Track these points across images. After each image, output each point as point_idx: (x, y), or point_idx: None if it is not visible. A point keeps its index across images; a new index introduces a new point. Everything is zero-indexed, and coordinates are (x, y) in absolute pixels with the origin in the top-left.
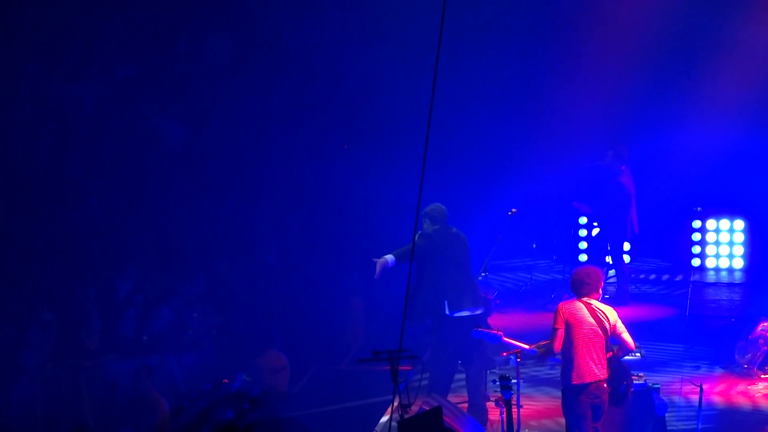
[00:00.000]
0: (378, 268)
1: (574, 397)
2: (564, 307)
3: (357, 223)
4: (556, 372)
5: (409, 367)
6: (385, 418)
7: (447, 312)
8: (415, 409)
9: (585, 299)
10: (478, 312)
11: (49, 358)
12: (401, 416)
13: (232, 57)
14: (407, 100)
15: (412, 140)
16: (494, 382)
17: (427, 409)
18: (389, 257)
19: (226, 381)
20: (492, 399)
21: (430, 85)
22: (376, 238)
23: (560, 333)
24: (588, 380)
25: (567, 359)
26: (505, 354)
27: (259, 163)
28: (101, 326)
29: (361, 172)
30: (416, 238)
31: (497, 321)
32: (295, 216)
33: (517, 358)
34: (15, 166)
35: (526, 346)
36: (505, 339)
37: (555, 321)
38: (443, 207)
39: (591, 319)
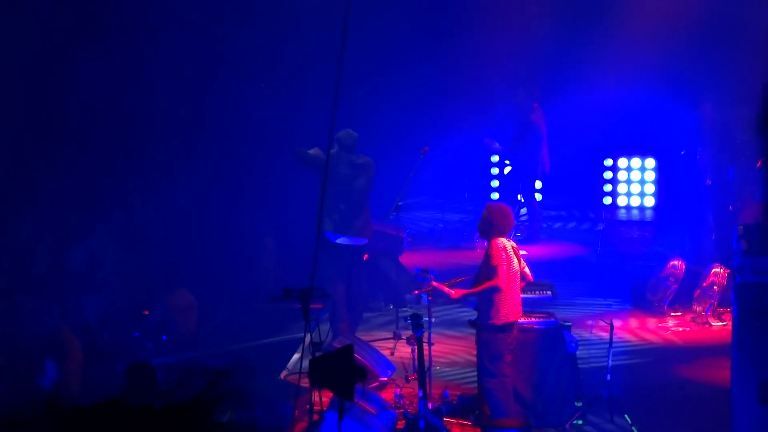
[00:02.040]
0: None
1: (495, 336)
2: (502, 243)
3: (270, 162)
4: (467, 310)
5: (320, 305)
6: (296, 356)
7: (332, 237)
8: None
9: (504, 238)
10: (360, 243)
11: None
12: (313, 354)
13: None
14: (320, 35)
15: (326, 79)
16: (406, 320)
17: (339, 347)
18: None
19: (147, 313)
20: (404, 337)
21: (344, 18)
22: (289, 177)
23: (505, 269)
24: (512, 319)
25: (493, 298)
26: (416, 292)
27: (174, 103)
28: (10, 265)
29: (273, 111)
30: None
31: (408, 259)
32: (207, 155)
33: (428, 296)
34: None
35: (452, 291)
36: (434, 283)
37: (497, 257)
38: (355, 134)
39: (516, 258)
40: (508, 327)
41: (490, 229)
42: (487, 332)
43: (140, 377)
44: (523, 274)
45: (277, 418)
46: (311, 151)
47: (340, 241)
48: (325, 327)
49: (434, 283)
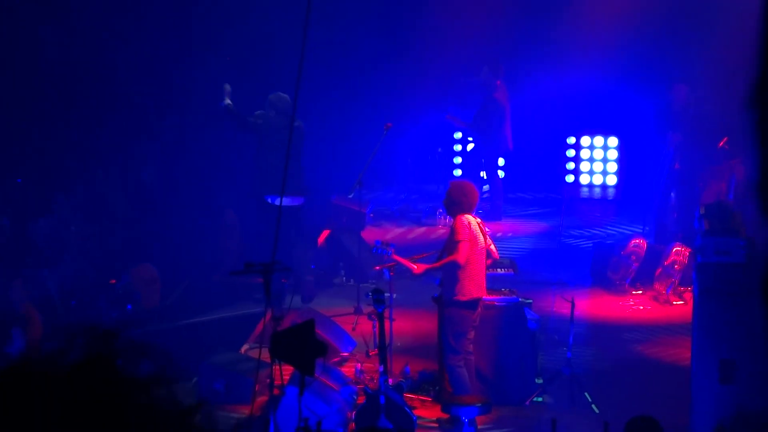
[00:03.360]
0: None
1: (459, 313)
2: (466, 219)
3: (233, 136)
4: (430, 287)
5: (283, 280)
6: (257, 330)
7: (274, 200)
8: (288, 321)
9: (469, 215)
10: (298, 204)
11: None
12: (274, 329)
13: None
14: (285, 10)
15: (290, 54)
16: (367, 295)
17: (300, 321)
18: (228, 101)
19: (114, 281)
20: (365, 312)
21: None
22: (250, 151)
23: (466, 245)
24: (477, 296)
25: (458, 274)
26: (378, 267)
27: (137, 76)
28: None
29: (237, 85)
30: (257, 115)
31: (370, 235)
32: (170, 128)
33: (390, 272)
34: None
35: (415, 266)
36: (395, 256)
37: (459, 233)
38: (287, 96)
39: (481, 235)
40: (473, 303)
41: (453, 207)
42: (452, 308)
43: (99, 346)
44: (488, 252)
45: (237, 393)
46: (256, 113)
47: (278, 202)
48: (287, 299)
49: (396, 257)
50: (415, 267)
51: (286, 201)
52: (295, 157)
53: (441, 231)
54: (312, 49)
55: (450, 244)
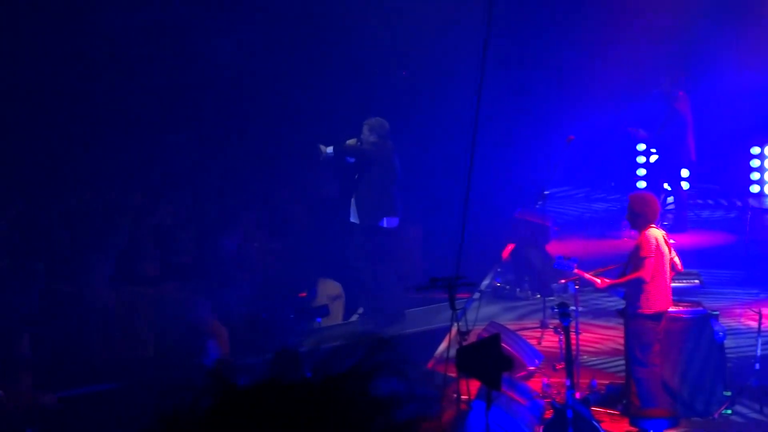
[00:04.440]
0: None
1: (645, 326)
2: (653, 234)
3: (415, 154)
4: (614, 300)
5: (467, 295)
6: (444, 345)
7: (382, 221)
8: (474, 336)
9: (654, 227)
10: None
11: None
12: (460, 343)
13: None
14: (463, 20)
15: (468, 68)
16: (552, 309)
17: (486, 336)
18: (329, 149)
19: (304, 294)
20: (551, 326)
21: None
22: (431, 170)
23: (652, 261)
24: (662, 308)
25: (643, 287)
26: (563, 281)
27: (314, 90)
28: (160, 255)
29: (419, 97)
30: (355, 143)
31: (556, 248)
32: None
33: (575, 285)
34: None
35: (598, 280)
36: (577, 271)
37: (645, 249)
38: (386, 122)
39: (666, 247)
40: (658, 316)
41: (637, 219)
42: (637, 321)
43: (286, 366)
44: (672, 264)
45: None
46: (348, 142)
47: (390, 224)
48: (472, 315)
49: (578, 271)
50: (599, 282)
51: (395, 222)
52: (396, 178)
53: (626, 243)
54: (492, 61)
55: (635, 259)
